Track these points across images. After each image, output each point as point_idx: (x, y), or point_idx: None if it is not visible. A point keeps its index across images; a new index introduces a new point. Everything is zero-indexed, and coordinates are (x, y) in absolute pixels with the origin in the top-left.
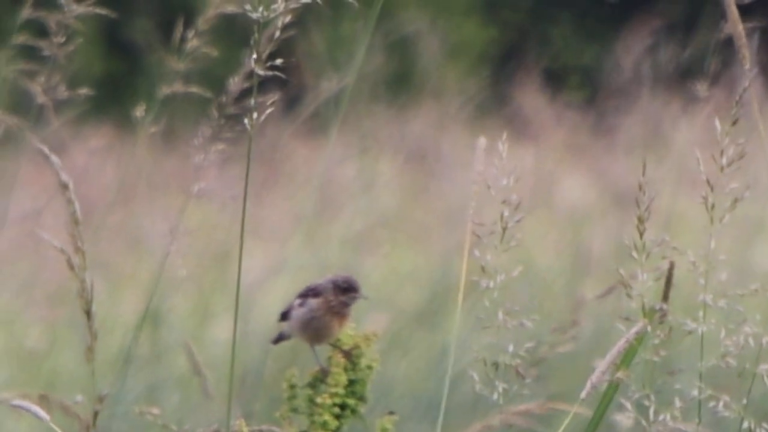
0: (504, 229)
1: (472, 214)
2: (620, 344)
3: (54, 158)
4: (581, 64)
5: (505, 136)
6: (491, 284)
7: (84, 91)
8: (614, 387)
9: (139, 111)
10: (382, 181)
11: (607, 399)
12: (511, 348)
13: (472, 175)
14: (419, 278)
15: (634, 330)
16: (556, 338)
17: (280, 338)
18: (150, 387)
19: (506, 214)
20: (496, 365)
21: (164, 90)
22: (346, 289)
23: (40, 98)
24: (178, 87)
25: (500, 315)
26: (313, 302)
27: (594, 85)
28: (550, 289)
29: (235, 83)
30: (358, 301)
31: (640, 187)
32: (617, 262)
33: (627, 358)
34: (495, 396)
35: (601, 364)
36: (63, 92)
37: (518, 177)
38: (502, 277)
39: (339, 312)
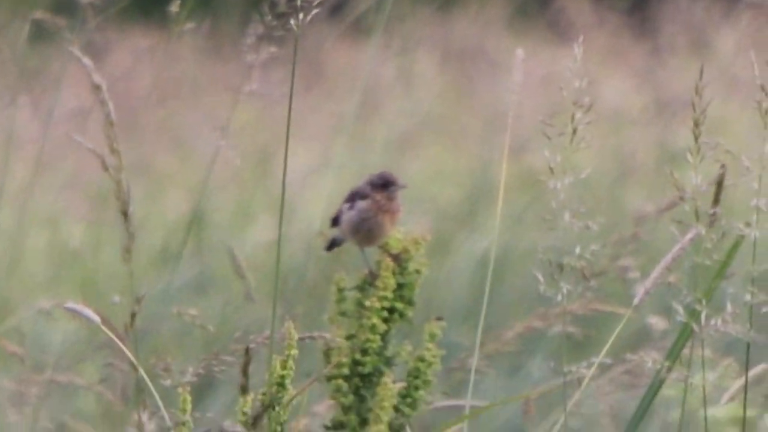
0: (574, 130)
1: (510, 123)
2: (674, 250)
3: (86, 60)
4: None
5: (581, 39)
6: (559, 185)
7: None
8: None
9: (174, 6)
10: (423, 81)
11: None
12: (578, 250)
13: (510, 85)
14: (461, 179)
15: (688, 236)
16: (617, 251)
17: (333, 244)
18: (191, 288)
19: (578, 115)
20: (560, 266)
21: None
22: (384, 185)
23: None
24: None
25: (566, 216)
26: (362, 203)
27: None
28: (595, 193)
29: None
30: (400, 191)
31: (697, 90)
32: (662, 167)
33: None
34: (559, 297)
35: (655, 270)
36: None
37: (591, 80)
38: (570, 178)
39: (388, 209)
